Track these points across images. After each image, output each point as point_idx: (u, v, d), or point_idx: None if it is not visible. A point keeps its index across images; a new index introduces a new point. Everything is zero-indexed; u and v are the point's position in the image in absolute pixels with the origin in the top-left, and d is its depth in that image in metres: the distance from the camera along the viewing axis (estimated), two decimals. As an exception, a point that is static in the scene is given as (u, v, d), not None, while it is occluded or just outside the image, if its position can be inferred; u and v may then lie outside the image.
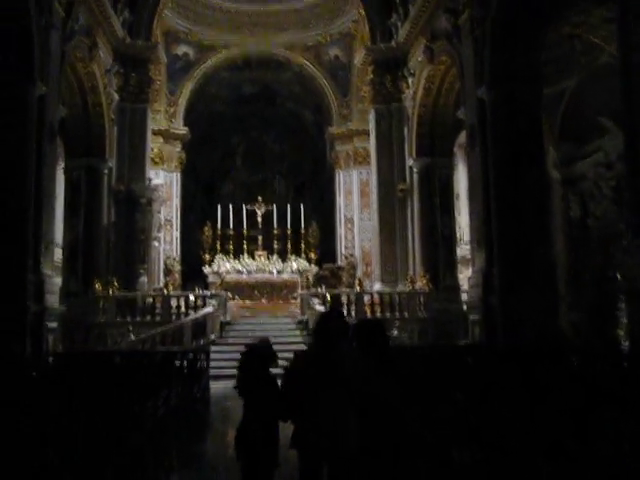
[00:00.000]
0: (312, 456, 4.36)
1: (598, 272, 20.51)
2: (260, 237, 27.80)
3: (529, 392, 6.23)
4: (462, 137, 21.00)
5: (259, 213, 28.33)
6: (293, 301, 23.54)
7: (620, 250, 19.39)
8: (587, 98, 19.84)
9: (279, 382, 4.66)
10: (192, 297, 21.08)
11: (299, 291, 23.69)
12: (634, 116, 10.87)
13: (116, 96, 21.65)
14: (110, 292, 19.59)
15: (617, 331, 18.86)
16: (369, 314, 20.15)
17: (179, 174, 27.95)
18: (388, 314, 20.32)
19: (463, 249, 24.04)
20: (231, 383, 12.83)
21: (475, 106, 16.23)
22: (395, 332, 18.72)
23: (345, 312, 20.06)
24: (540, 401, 5.83)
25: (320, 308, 18.90)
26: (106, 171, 21.02)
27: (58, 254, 20.22)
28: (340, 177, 28.69)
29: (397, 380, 4.25)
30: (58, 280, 17.82)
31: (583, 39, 18.75)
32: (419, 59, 21.00)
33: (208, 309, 19.68)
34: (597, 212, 20.86)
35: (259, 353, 4.99)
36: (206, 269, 25.93)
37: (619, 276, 19.54)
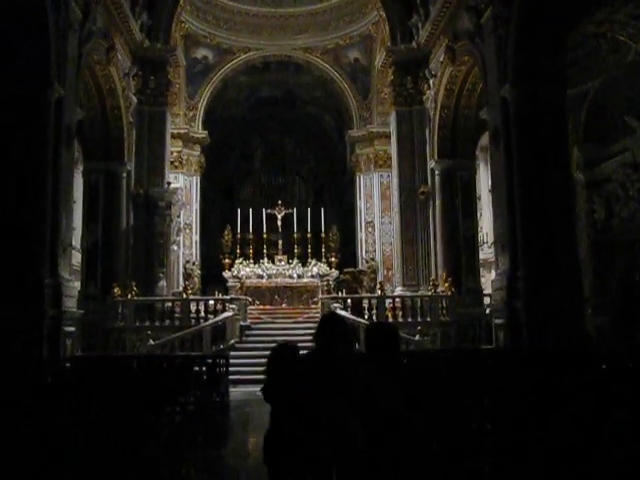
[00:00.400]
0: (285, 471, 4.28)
1: (623, 275, 20.15)
2: (280, 241, 27.61)
3: (554, 396, 6.03)
4: (484, 139, 20.75)
5: (279, 217, 28.14)
6: (314, 306, 23.31)
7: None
8: (611, 98, 19.52)
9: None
10: (212, 301, 20.91)
11: (320, 295, 23.47)
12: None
13: (134, 99, 21.55)
14: (129, 296, 19.45)
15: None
16: (391, 318, 19.86)
17: (199, 178, 27.85)
18: (410, 318, 20.01)
19: (485, 252, 23.74)
20: (251, 388, 12.62)
21: (498, 106, 15.93)
22: (417, 337, 18.42)
23: (366, 317, 19.89)
24: (565, 405, 5.65)
25: (341, 312, 18.66)
26: (125, 175, 20.91)
27: (77, 258, 20.18)
28: (360, 180, 28.45)
29: (403, 384, 4.12)
30: (77, 284, 17.74)
31: (608, 38, 18.44)
32: (440, 60, 20.72)
33: (228, 313, 19.50)
34: (622, 214, 20.47)
35: (287, 356, 4.79)
36: (226, 273, 25.75)
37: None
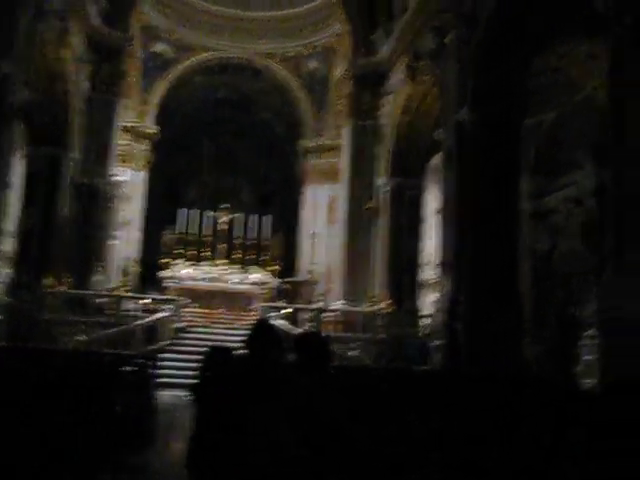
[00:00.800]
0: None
1: (560, 308, 20.34)
2: (222, 245, 27.22)
3: (501, 415, 6.02)
4: (435, 160, 20.75)
5: (223, 221, 27.75)
6: (251, 313, 22.96)
7: (582, 286, 19.32)
8: (565, 131, 19.72)
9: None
10: (147, 300, 20.42)
11: (258, 303, 23.15)
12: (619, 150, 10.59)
13: (86, 86, 20.94)
14: (62, 288, 18.80)
15: (576, 367, 18.66)
16: (328, 332, 19.65)
17: (145, 174, 27.25)
18: (347, 333, 19.87)
19: (426, 273, 23.71)
20: (181, 392, 12.22)
21: (454, 128, 15.90)
22: (353, 352, 18.26)
23: (304, 328, 19.61)
24: (514, 425, 5.65)
25: (279, 322, 18.39)
26: (69, 162, 20.24)
27: (12, 244, 19.44)
28: (308, 191, 28.26)
29: (345, 395, 4.14)
30: (7, 271, 17.07)
31: (565, 72, 18.65)
32: (400, 77, 20.71)
33: (162, 314, 19.05)
34: (563, 247, 20.70)
35: (219, 359, 4.56)
36: (164, 273, 25.24)
37: (581, 313, 19.43)
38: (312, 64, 27.59)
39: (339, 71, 24.94)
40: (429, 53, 18.05)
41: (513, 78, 14.99)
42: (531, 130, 19.86)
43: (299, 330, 18.36)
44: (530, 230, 21.48)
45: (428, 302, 20.74)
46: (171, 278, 24.87)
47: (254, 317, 21.59)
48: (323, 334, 16.03)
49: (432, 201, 22.45)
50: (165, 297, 21.49)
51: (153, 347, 17.87)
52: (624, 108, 10.13)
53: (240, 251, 27.13)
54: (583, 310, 19.02)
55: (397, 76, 21.12)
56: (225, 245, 27.26)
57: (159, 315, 18.94)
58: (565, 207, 20.30)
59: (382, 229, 21.70)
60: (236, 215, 27.85)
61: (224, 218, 27.77)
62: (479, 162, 15.14)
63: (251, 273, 25.70)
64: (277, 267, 26.55)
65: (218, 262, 26.30)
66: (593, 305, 13.92)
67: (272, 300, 24.03)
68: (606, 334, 9.86)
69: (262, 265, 26.55)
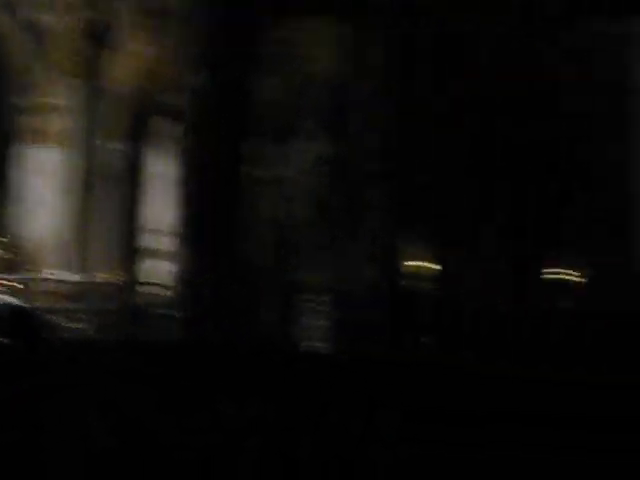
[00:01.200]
0: None
1: (291, 275, 21.14)
2: None
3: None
4: (157, 123, 20.57)
5: None
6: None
7: (313, 254, 20.27)
8: (295, 100, 20.33)
9: None
10: None
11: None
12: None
13: None
14: None
15: (306, 332, 19.62)
16: (53, 304, 18.75)
17: None
18: (72, 304, 19.07)
19: (152, 240, 23.51)
20: None
21: (187, 93, 15.85)
22: (79, 325, 17.65)
23: (25, 301, 18.52)
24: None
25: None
26: None
27: None
28: (30, 154, 26.43)
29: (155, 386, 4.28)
30: None
31: (295, 44, 19.20)
32: (131, 37, 20.01)
33: None
34: (295, 215, 21.44)
35: None
36: None
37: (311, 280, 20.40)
38: (29, 13, 25.54)
39: (63, 23, 23.38)
40: (163, 14, 17.70)
41: (247, 44, 15.16)
42: (264, 98, 20.28)
43: (20, 304, 17.39)
44: (264, 199, 22.04)
45: (159, 271, 20.54)
46: None
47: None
48: (44, 306, 15.30)
49: (159, 166, 22.19)
50: None
51: None
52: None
53: None
54: (313, 277, 20.02)
55: (128, 35, 20.36)
56: None
57: None
58: (298, 176, 21.03)
59: (109, 196, 21.16)
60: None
61: None
62: (214, 129, 15.29)
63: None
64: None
65: None
66: (325, 273, 14.63)
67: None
68: (337, 306, 10.37)
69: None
